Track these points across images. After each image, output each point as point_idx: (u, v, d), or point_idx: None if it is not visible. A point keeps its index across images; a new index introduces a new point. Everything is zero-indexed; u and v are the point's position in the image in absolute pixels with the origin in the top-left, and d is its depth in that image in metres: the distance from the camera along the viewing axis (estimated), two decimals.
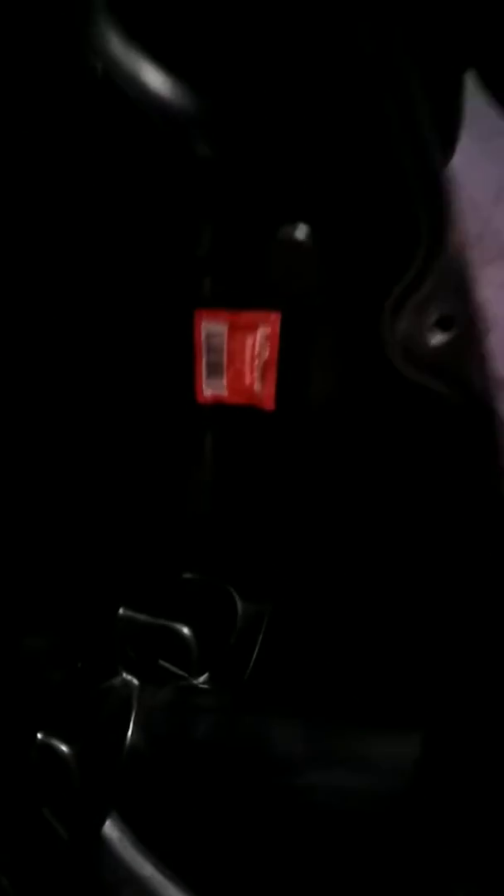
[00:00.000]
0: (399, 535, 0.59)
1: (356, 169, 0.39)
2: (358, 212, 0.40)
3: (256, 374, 0.68)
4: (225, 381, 0.69)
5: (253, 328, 0.66)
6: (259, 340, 0.66)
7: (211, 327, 0.68)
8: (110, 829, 0.56)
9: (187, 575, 0.73)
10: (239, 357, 0.68)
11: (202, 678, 0.66)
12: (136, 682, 0.68)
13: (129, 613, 0.68)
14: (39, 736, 0.61)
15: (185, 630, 0.66)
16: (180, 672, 0.67)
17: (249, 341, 0.66)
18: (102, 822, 0.55)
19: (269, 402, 0.69)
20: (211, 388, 0.70)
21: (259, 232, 0.56)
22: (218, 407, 0.70)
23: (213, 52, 0.39)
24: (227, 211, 0.56)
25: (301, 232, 0.41)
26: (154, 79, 0.39)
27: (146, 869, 0.51)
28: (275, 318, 0.66)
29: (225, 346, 0.67)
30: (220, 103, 0.38)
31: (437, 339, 0.34)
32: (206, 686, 0.66)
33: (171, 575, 0.72)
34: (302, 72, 0.39)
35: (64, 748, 0.61)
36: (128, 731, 0.65)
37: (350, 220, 0.42)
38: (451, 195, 0.33)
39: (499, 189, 1.85)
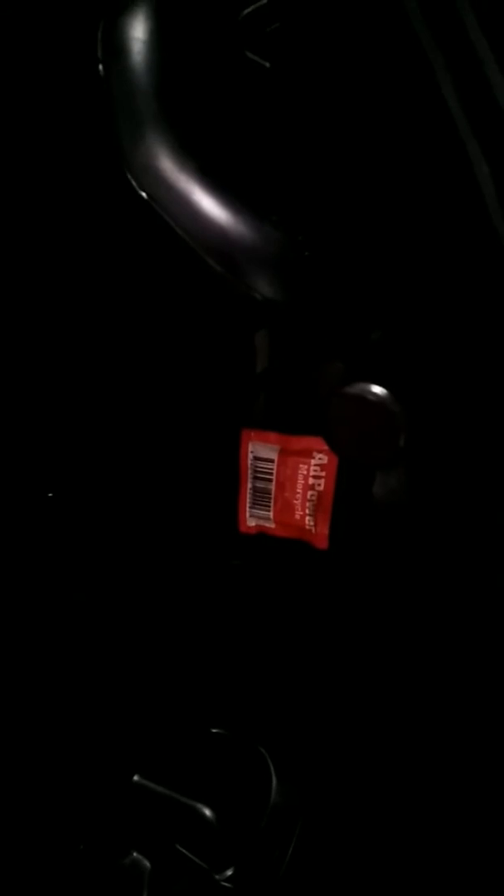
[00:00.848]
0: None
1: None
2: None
3: (308, 508, 0.59)
4: (272, 513, 0.60)
5: (307, 455, 0.58)
6: (313, 469, 0.58)
7: (259, 450, 0.59)
8: None
9: (215, 730, 0.62)
10: (290, 486, 0.60)
11: (226, 873, 0.55)
12: (148, 864, 0.57)
13: (145, 782, 0.57)
14: None
15: (208, 812, 0.55)
16: (200, 862, 0.56)
17: (303, 470, 0.58)
18: None
19: (321, 541, 0.59)
20: (255, 519, 0.61)
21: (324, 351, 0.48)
22: (261, 537, 0.61)
23: (293, 179, 0.32)
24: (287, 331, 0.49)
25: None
26: (212, 208, 0.32)
27: None
28: None
29: (274, 473, 0.59)
30: (292, 239, 0.30)
31: None
32: (228, 885, 0.55)
33: (197, 729, 0.62)
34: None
35: None
36: None
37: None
38: None
39: None
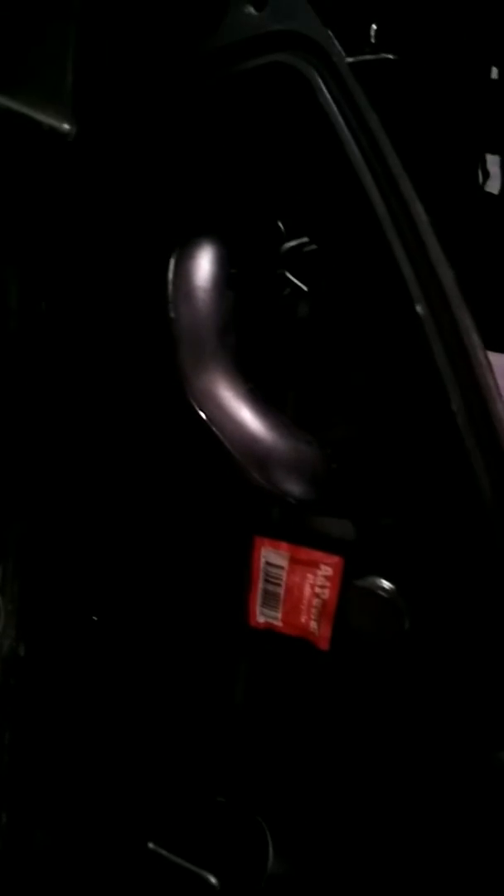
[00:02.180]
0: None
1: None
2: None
3: (314, 613, 0.66)
4: (280, 614, 0.68)
5: (314, 566, 0.65)
6: (319, 580, 0.65)
7: (271, 556, 0.66)
8: None
9: (220, 799, 0.70)
10: (297, 593, 0.67)
11: None
12: None
13: (158, 850, 0.65)
14: None
15: (213, 880, 0.63)
16: None
17: (309, 579, 0.65)
18: None
19: (323, 643, 0.67)
20: (264, 616, 0.68)
21: None
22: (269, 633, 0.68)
23: None
24: None
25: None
26: (258, 428, 0.40)
27: None
28: (337, 561, 0.64)
29: (284, 579, 0.66)
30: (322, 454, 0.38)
31: None
32: None
33: (205, 799, 0.69)
34: None
35: None
36: None
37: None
38: None
39: None
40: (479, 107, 0.58)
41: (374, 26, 0.40)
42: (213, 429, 0.41)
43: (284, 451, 0.41)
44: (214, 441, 0.41)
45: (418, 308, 0.32)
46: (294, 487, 0.42)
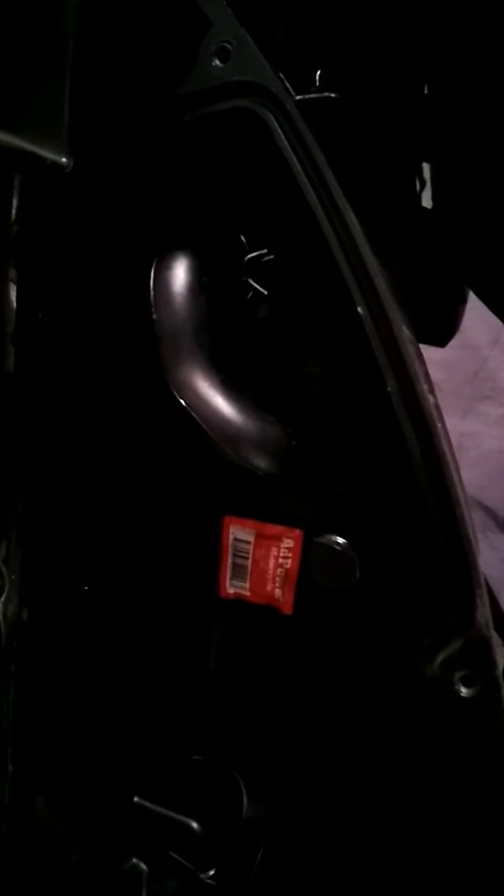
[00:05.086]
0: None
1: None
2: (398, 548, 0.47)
3: (278, 581, 0.74)
4: (248, 584, 0.75)
5: (278, 539, 0.72)
6: (282, 551, 0.72)
7: (239, 533, 0.74)
8: None
9: (196, 757, 0.77)
10: (263, 564, 0.74)
11: (209, 873, 0.70)
12: (145, 868, 0.71)
13: (143, 803, 0.72)
14: None
15: (195, 825, 0.70)
16: (189, 865, 0.70)
17: (274, 551, 0.72)
18: None
19: (287, 608, 0.74)
20: (234, 588, 0.75)
21: None
22: (237, 602, 0.75)
23: None
24: None
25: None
26: (229, 411, 0.47)
27: None
28: (298, 534, 0.72)
29: (251, 553, 0.73)
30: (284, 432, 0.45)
31: (463, 692, 0.40)
32: (211, 882, 0.69)
33: (182, 757, 0.76)
34: None
35: None
36: None
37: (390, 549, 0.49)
38: (481, 581, 0.40)
39: (497, 331, 1.97)
40: (414, 121, 0.66)
41: (319, 71, 0.48)
42: (192, 413, 0.48)
43: (252, 430, 0.48)
44: (193, 424, 0.48)
45: (359, 309, 0.40)
46: (262, 462, 0.49)
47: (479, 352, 1.89)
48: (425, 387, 0.40)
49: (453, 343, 0.78)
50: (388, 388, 0.39)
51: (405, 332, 0.41)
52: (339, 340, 0.44)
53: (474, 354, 1.89)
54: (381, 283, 0.39)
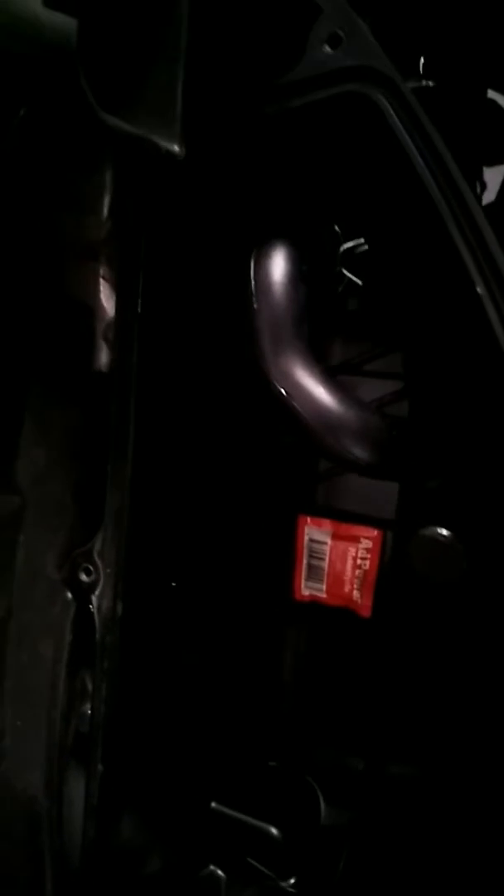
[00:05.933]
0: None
1: None
2: None
3: (356, 583, 0.73)
4: (324, 586, 0.74)
5: (355, 540, 0.71)
6: (360, 552, 0.71)
7: (314, 533, 0.73)
8: None
9: (272, 763, 0.75)
10: (340, 565, 0.73)
11: (290, 881, 0.68)
12: (223, 875, 0.70)
13: (221, 808, 0.71)
14: None
15: (274, 831, 0.69)
16: (268, 872, 0.69)
17: (351, 552, 0.71)
18: None
19: (365, 611, 0.73)
20: (309, 589, 0.75)
21: None
22: (314, 605, 0.74)
23: None
24: None
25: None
26: (331, 402, 0.47)
27: None
28: (377, 534, 0.71)
29: (328, 554, 0.72)
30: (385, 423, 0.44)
31: None
32: (293, 890, 0.68)
33: (259, 763, 0.75)
34: None
35: None
36: None
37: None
38: None
39: None
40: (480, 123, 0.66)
41: (423, 59, 0.48)
42: (293, 403, 0.48)
43: (353, 420, 0.48)
44: (293, 414, 0.48)
45: (479, 289, 0.39)
46: (362, 452, 0.48)
47: None
48: None
49: None
50: None
51: None
52: (451, 326, 0.44)
53: None
54: (501, 259, 0.38)
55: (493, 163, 0.76)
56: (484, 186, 0.76)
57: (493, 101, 0.66)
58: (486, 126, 0.68)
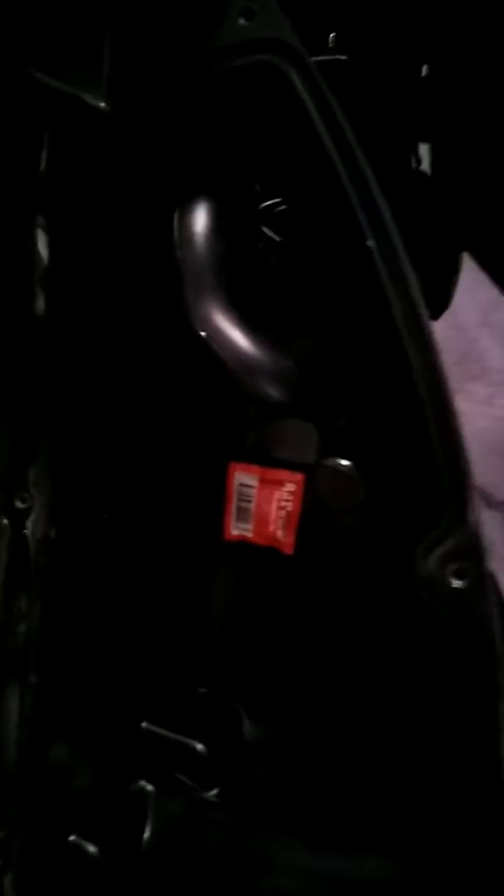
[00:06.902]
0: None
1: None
2: (396, 464, 0.52)
3: (280, 523, 0.78)
4: (251, 525, 0.79)
5: (280, 484, 0.77)
6: (284, 495, 0.77)
7: (243, 478, 0.78)
8: None
9: (202, 690, 0.81)
10: (266, 507, 0.78)
11: (213, 792, 0.75)
12: (152, 788, 0.76)
13: (150, 727, 0.77)
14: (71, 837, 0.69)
15: (200, 747, 0.75)
16: (193, 784, 0.75)
17: (276, 495, 0.77)
18: None
19: (288, 549, 0.78)
20: (238, 530, 0.80)
21: None
22: (241, 544, 0.79)
23: None
24: None
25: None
26: (245, 344, 0.52)
27: None
28: (300, 478, 0.77)
29: (255, 497, 0.78)
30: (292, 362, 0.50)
31: (455, 583, 0.45)
32: (215, 800, 0.74)
33: (188, 689, 0.81)
34: None
35: (91, 848, 0.70)
36: (144, 835, 0.73)
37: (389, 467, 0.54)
38: (472, 485, 0.45)
39: (485, 313, 2.02)
40: (412, 100, 0.71)
41: (332, 34, 0.53)
42: (212, 345, 0.53)
43: (267, 361, 0.53)
44: (213, 356, 0.53)
45: (369, 242, 0.45)
46: (276, 392, 0.54)
47: (468, 333, 1.95)
48: (425, 312, 0.45)
49: (442, 324, 0.82)
50: (394, 312, 0.44)
51: (409, 266, 0.45)
52: (350, 277, 0.49)
53: (463, 335, 1.95)
54: (388, 218, 0.44)
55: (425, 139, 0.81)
56: (419, 161, 0.82)
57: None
58: (417, 100, 0.72)
